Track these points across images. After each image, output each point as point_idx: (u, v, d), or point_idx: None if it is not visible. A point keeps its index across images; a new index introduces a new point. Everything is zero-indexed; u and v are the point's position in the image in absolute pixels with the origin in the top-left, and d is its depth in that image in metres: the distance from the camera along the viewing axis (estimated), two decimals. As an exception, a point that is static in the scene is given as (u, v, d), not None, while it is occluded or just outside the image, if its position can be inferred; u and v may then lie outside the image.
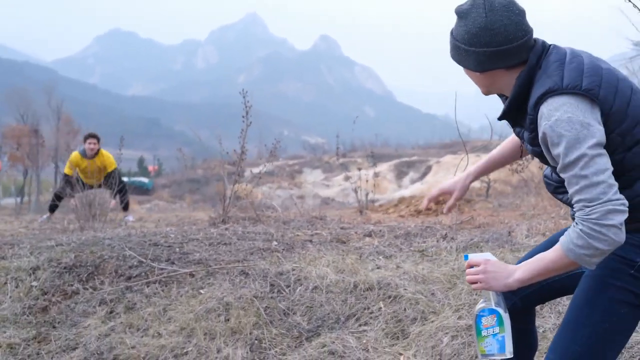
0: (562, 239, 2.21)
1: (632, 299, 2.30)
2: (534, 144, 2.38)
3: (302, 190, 40.93)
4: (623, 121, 2.21)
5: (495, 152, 2.94)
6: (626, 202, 2.11)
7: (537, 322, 3.93)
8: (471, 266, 2.47)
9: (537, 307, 4.19)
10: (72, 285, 5.30)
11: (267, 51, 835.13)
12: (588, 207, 2.10)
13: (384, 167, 51.37)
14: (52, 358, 4.34)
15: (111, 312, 4.91)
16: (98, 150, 11.48)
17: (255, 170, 9.08)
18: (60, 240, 6.49)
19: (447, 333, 4.04)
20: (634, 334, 3.72)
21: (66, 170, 11.56)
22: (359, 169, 12.10)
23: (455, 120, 6.20)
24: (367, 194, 11.32)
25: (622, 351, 3.55)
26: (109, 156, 11.71)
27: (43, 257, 5.72)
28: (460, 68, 2.51)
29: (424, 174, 49.52)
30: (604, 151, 2.14)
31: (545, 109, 2.22)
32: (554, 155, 2.23)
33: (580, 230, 2.11)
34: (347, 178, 13.44)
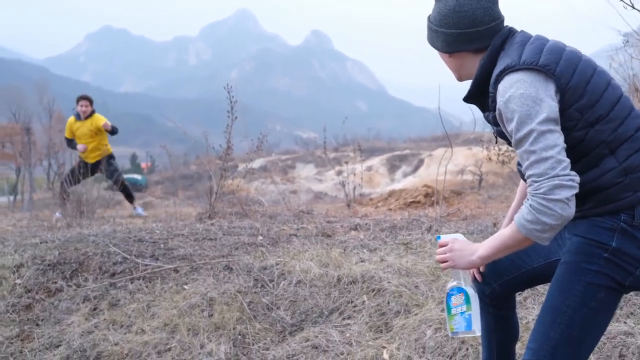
0: (516, 215, 2.24)
1: (609, 283, 2.29)
2: (496, 123, 2.42)
3: (295, 184, 40.91)
4: (581, 97, 2.24)
5: (513, 203, 2.95)
6: (576, 178, 2.14)
7: (520, 313, 3.93)
8: (442, 246, 2.53)
9: (521, 299, 4.21)
10: (56, 282, 5.28)
11: (258, 47, 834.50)
12: (537, 182, 2.14)
13: (376, 161, 51.49)
14: (35, 356, 4.32)
15: (95, 309, 4.89)
16: (92, 112, 11.32)
17: (249, 164, 9.03)
18: (45, 237, 6.46)
19: (430, 326, 4.03)
20: (617, 323, 3.74)
21: (66, 134, 11.46)
22: (346, 163, 12.04)
23: (439, 113, 6.19)
24: (354, 188, 11.29)
25: (605, 341, 3.55)
26: (100, 117, 11.44)
27: (27, 255, 5.70)
28: None
29: (417, 167, 49.65)
30: (555, 127, 2.18)
31: (501, 86, 2.27)
32: (508, 131, 2.28)
33: (530, 205, 2.15)
34: (339, 172, 13.44)
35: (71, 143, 11.35)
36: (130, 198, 11.98)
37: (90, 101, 11.39)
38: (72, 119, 11.40)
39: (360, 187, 11.67)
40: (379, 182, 45.60)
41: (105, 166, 11.16)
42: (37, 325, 4.75)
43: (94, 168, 11.19)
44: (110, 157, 11.52)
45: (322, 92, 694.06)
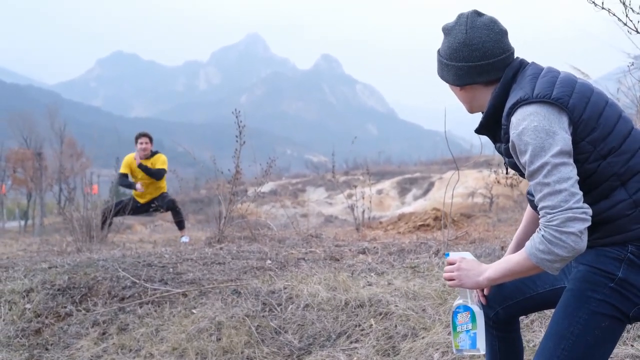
0: (527, 243, 2.26)
1: (613, 312, 2.31)
2: (509, 154, 2.44)
3: (306, 208, 40.85)
4: (593, 130, 2.26)
5: (519, 229, 2.97)
6: (589, 210, 2.16)
7: (527, 336, 3.93)
8: (450, 264, 2.56)
9: (528, 322, 4.21)
10: (65, 307, 5.31)
11: (268, 71, 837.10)
12: (550, 213, 2.16)
13: (387, 184, 51.41)
14: (44, 380, 4.35)
15: (104, 334, 4.92)
16: (153, 152, 10.57)
17: (258, 189, 9.03)
18: (55, 262, 6.51)
19: (437, 349, 4.03)
20: (624, 347, 3.73)
21: (122, 169, 10.57)
22: (355, 186, 12.05)
23: (445, 136, 6.21)
24: (363, 211, 11.30)
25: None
26: (160, 157, 10.60)
27: (37, 280, 5.74)
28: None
29: (427, 190, 49.52)
30: (569, 160, 2.20)
31: (514, 118, 2.29)
32: (521, 163, 2.31)
33: (542, 236, 2.17)
34: (349, 196, 13.43)
35: (125, 180, 10.52)
36: (181, 225, 11.05)
37: (151, 139, 10.61)
38: (130, 156, 10.63)
39: (370, 210, 11.67)
40: (389, 206, 45.54)
41: (159, 201, 10.51)
42: (47, 349, 4.78)
43: (145, 207, 10.64)
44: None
45: (332, 115, 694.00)
